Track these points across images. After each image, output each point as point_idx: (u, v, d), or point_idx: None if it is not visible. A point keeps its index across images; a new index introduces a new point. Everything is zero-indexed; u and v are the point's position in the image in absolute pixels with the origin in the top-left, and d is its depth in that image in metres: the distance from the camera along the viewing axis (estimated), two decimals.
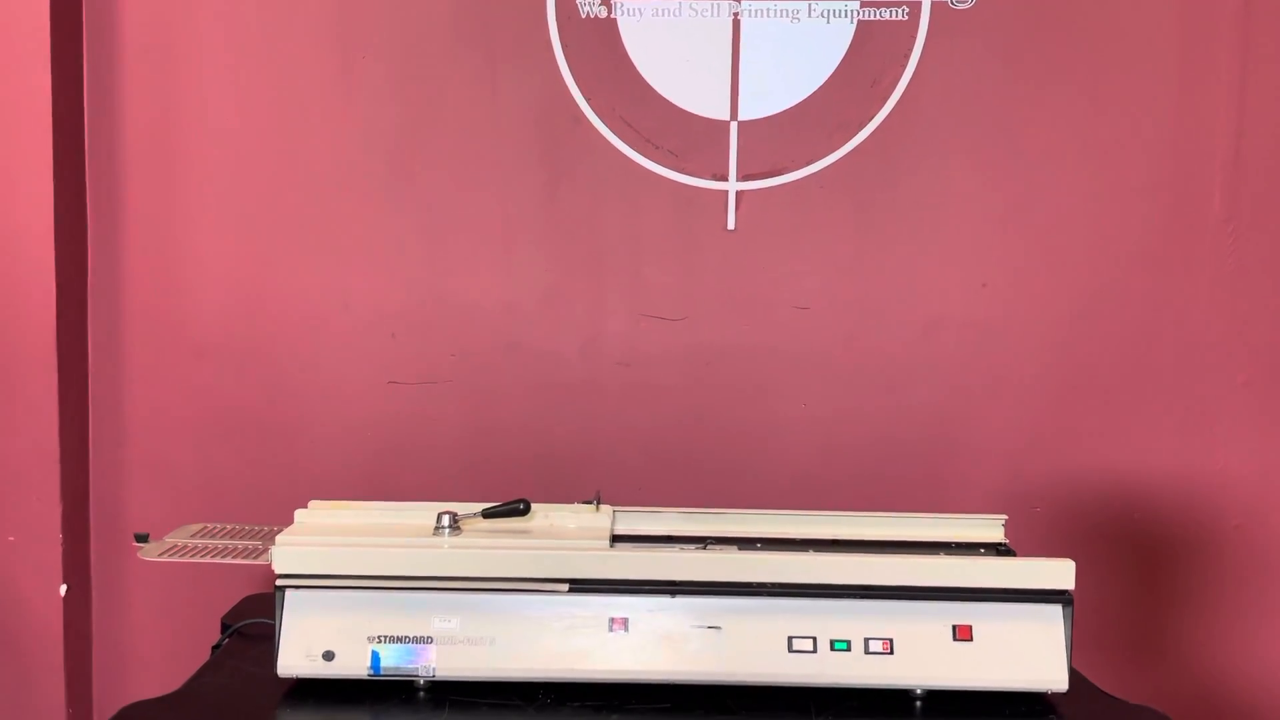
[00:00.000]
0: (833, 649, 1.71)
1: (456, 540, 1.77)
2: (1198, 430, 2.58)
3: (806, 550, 1.92)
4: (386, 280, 2.60)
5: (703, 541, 1.93)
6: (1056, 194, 2.57)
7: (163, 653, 2.61)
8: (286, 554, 1.72)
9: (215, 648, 1.96)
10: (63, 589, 2.53)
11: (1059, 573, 1.71)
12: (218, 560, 1.74)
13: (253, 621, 1.97)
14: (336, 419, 2.60)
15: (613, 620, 1.72)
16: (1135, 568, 2.60)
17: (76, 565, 2.61)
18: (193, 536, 1.87)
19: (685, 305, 2.59)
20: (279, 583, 1.72)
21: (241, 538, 1.88)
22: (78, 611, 2.61)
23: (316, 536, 1.76)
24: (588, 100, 2.56)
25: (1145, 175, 2.56)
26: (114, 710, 2.63)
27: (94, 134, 2.58)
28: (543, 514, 1.88)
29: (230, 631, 1.98)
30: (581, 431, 2.59)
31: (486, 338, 2.60)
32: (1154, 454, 2.59)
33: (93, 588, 2.66)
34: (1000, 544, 1.98)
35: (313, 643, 1.71)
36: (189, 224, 2.60)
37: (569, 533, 1.83)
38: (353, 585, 1.72)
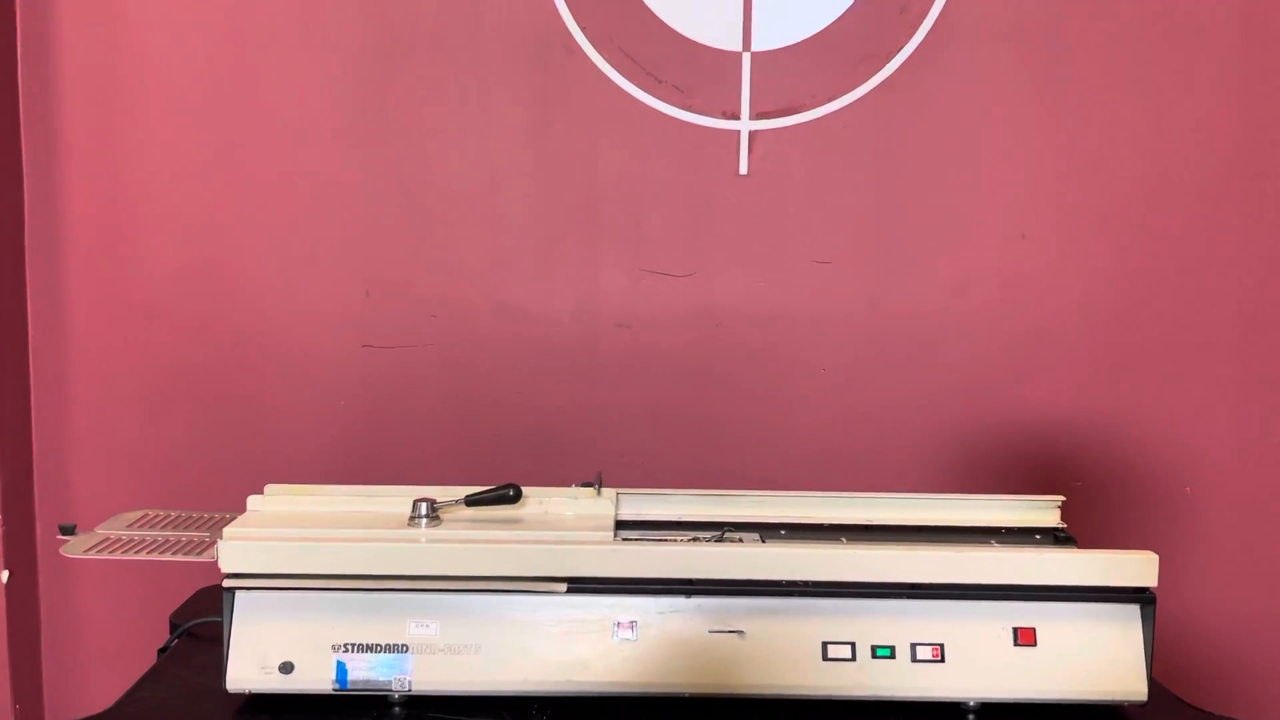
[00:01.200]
0: (874, 656, 1.48)
1: (435, 532, 1.52)
2: (1258, 397, 2.34)
3: (838, 538, 1.68)
4: (358, 232, 2.33)
5: (719, 528, 1.69)
6: (1105, 135, 2.31)
7: (120, 644, 2.36)
8: (235, 550, 1.46)
9: (162, 651, 1.71)
10: (4, 575, 2.28)
11: (1139, 567, 1.47)
12: (154, 557, 1.49)
13: (205, 621, 1.71)
14: (304, 388, 2.34)
15: (618, 624, 1.48)
16: (1187, 548, 2.37)
17: (20, 550, 2.35)
18: (130, 527, 1.62)
19: (692, 260, 2.33)
20: (227, 583, 1.47)
21: (187, 527, 1.63)
22: (22, 600, 2.36)
23: (271, 529, 1.51)
24: (582, 28, 2.28)
25: (1206, 111, 2.29)
26: (67, 706, 2.42)
27: (29, 77, 2.29)
28: (535, 500, 1.62)
29: (179, 633, 1.73)
30: (577, 402, 2.34)
31: (470, 297, 2.34)
32: (1211, 424, 2.34)
33: (39, 574, 2.41)
34: (1058, 529, 1.74)
35: (267, 652, 1.47)
36: (135, 174, 2.32)
37: (566, 522, 1.58)
38: (314, 586, 1.47)
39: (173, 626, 1.77)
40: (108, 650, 2.38)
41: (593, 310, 2.34)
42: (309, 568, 1.46)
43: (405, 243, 2.34)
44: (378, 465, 2.31)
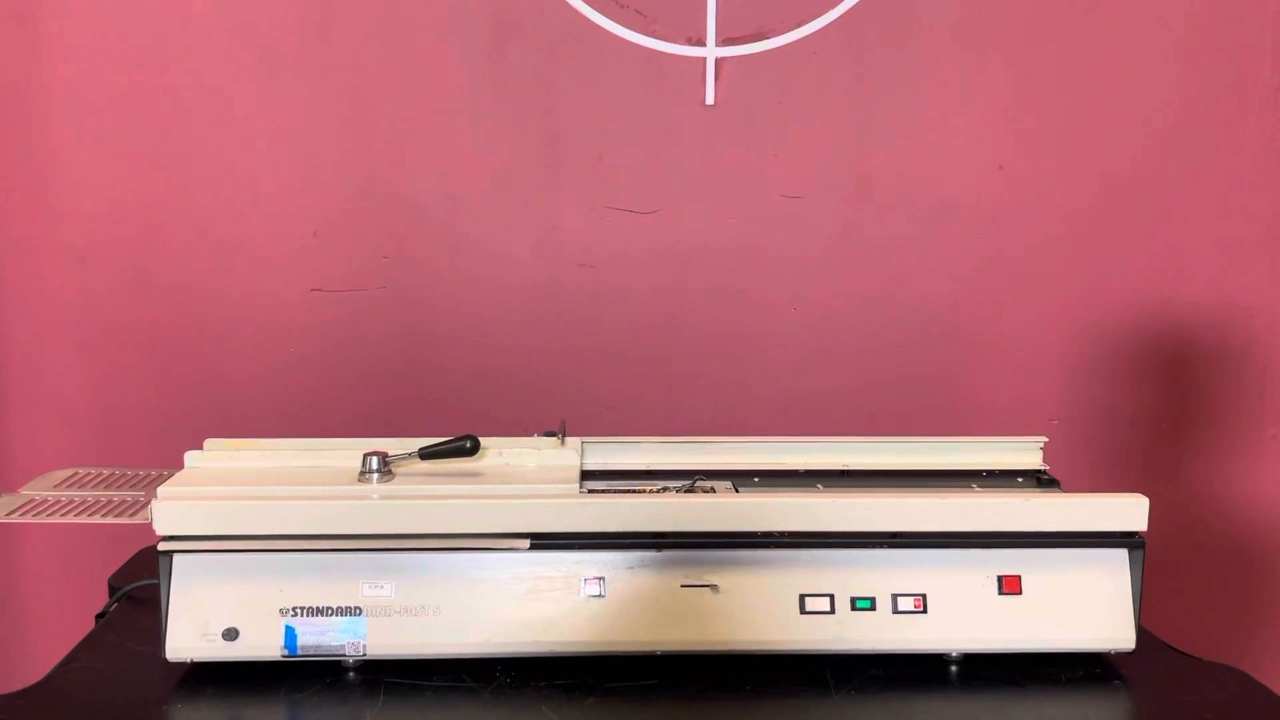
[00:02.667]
0: (854, 608, 1.41)
1: (388, 488, 1.42)
2: (1236, 329, 2.29)
3: (814, 485, 1.61)
4: (303, 168, 2.19)
5: (689, 477, 1.61)
6: (1084, 61, 2.21)
7: (59, 609, 2.26)
8: (170, 510, 1.36)
9: (100, 616, 1.61)
10: None
11: (1128, 511, 1.41)
12: (83, 520, 1.38)
13: (146, 584, 1.61)
14: (250, 335, 2.22)
15: (585, 580, 1.40)
16: (1170, 486, 2.33)
17: None
18: (58, 487, 1.50)
19: (657, 195, 2.22)
20: (162, 546, 1.37)
21: (120, 486, 1.52)
22: None
23: (210, 487, 1.40)
24: None
25: (1185, 37, 2.21)
26: (4, 676, 2.31)
27: None
28: (495, 451, 1.53)
29: (117, 597, 1.63)
30: (539, 346, 2.24)
31: (424, 236, 2.22)
32: (1192, 359, 2.29)
33: None
34: (1040, 471, 1.68)
35: (210, 618, 1.37)
36: (62, 107, 2.16)
37: (528, 474, 1.49)
38: (258, 548, 1.37)
39: (112, 590, 1.67)
40: (46, 616, 2.27)
41: (553, 250, 2.23)
42: (251, 528, 1.36)
43: (353, 180, 2.21)
44: (330, 416, 2.21)
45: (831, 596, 1.41)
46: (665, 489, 1.57)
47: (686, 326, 2.24)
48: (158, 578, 1.38)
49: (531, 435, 1.61)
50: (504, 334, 2.23)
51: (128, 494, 1.47)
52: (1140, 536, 1.41)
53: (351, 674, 1.40)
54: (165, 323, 2.22)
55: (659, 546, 1.40)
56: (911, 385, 2.26)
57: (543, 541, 1.39)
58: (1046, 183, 2.24)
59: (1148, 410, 2.31)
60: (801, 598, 1.41)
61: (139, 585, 1.61)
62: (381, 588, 1.39)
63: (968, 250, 2.25)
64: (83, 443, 2.21)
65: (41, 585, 2.27)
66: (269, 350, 2.21)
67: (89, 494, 1.47)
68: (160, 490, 1.38)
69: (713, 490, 1.56)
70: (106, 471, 1.56)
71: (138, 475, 1.55)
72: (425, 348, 2.22)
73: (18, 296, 2.20)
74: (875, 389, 2.25)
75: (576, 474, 1.49)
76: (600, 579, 1.40)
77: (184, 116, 2.17)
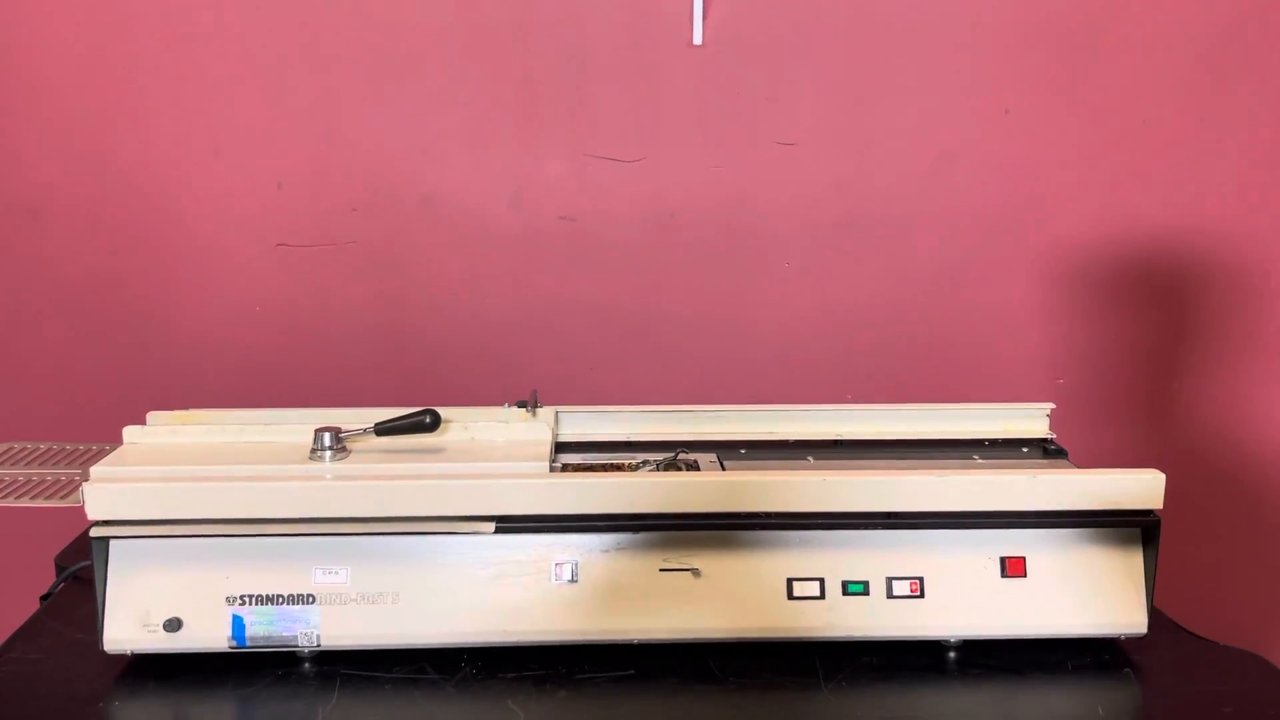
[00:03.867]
0: (845, 593, 1.31)
1: (341, 467, 1.32)
2: (1250, 285, 2.17)
3: (804, 456, 1.51)
4: (266, 115, 2.06)
5: (671, 449, 1.50)
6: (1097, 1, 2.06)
7: (7, 586, 2.16)
8: (104, 493, 1.25)
9: (44, 598, 1.52)
10: None
11: (1144, 488, 1.30)
12: (9, 503, 1.28)
13: (91, 564, 1.51)
14: (212, 294, 2.10)
15: (556, 565, 1.30)
16: (1175, 450, 2.22)
17: None
18: None
19: (642, 143, 2.09)
20: (96, 531, 1.26)
21: (56, 463, 1.41)
22: None
23: (147, 466, 1.30)
24: None
25: None
26: None
27: None
28: (460, 424, 1.42)
29: (63, 578, 1.53)
30: (516, 305, 2.12)
31: (394, 188, 2.09)
32: (1201, 315, 2.17)
33: None
34: (1047, 440, 1.57)
35: (151, 608, 1.27)
36: (11, 49, 2.02)
37: (495, 450, 1.38)
38: (201, 533, 1.27)
39: (58, 569, 1.57)
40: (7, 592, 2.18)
41: (532, 201, 2.10)
42: (192, 511, 1.26)
43: (319, 128, 2.07)
44: (296, 379, 2.10)
45: (821, 580, 1.31)
46: (645, 462, 1.46)
47: (673, 282, 2.12)
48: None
49: (502, 405, 1.50)
50: (480, 291, 2.11)
51: (63, 472, 1.37)
52: (1155, 514, 1.31)
53: (305, 665, 1.30)
54: (121, 280, 2.10)
55: (636, 528, 1.30)
56: (910, 345, 2.15)
57: (510, 525, 1.28)
58: (1056, 128, 2.10)
59: (1158, 361, 2.19)
60: (789, 582, 1.31)
61: (84, 565, 1.51)
62: (336, 574, 1.29)
63: (972, 200, 2.12)
64: (31, 409, 2.11)
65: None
66: (233, 309, 2.10)
67: (21, 472, 1.37)
68: (93, 471, 1.27)
69: (695, 463, 1.46)
70: (44, 446, 1.45)
71: (76, 451, 1.45)
72: (396, 306, 2.11)
73: None
74: (872, 349, 2.14)
75: (548, 449, 1.38)
76: (573, 563, 1.30)
77: (141, 61, 2.03)
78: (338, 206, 2.09)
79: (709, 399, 2.14)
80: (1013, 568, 1.32)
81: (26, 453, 1.43)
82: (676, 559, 1.31)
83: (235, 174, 2.08)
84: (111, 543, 1.26)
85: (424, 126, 2.07)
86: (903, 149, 2.10)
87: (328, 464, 1.31)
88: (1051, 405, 1.59)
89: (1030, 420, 1.59)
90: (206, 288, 2.10)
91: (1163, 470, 1.29)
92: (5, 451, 1.43)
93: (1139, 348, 2.18)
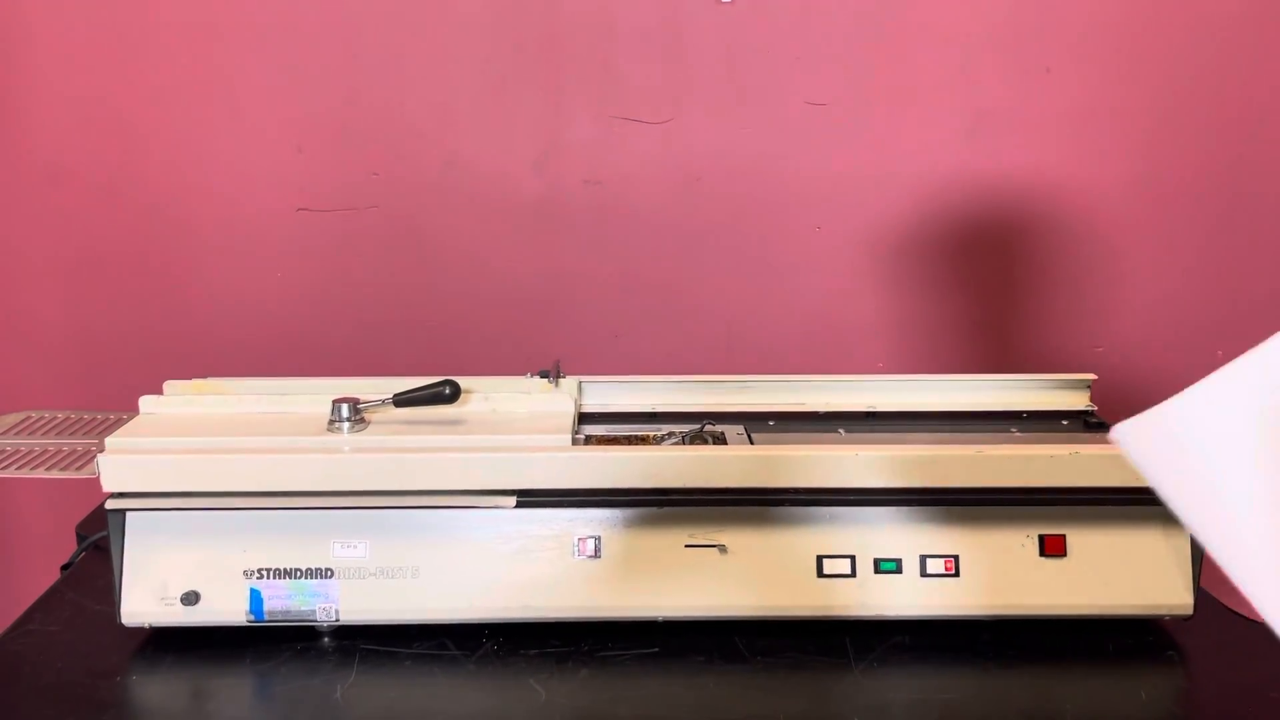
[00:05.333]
0: (877, 571, 1.27)
1: (360, 438, 1.28)
2: None
3: (835, 429, 1.46)
4: (285, 78, 2.01)
5: (698, 420, 1.46)
6: None
7: (33, 553, 2.17)
8: (120, 465, 1.23)
9: (65, 568, 1.50)
10: None
11: None
12: (25, 474, 1.26)
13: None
14: (231, 259, 2.07)
15: (579, 540, 1.27)
16: None
17: None
18: (5, 435, 1.38)
19: (668, 103, 2.03)
20: (111, 504, 1.24)
21: (74, 433, 1.39)
22: None
23: (163, 437, 1.27)
24: None
25: None
26: None
27: None
28: (481, 395, 1.38)
29: (84, 547, 1.52)
30: (540, 270, 2.07)
31: (416, 151, 2.04)
32: (1247, 278, 2.10)
33: None
34: (1088, 412, 1.52)
35: (168, 581, 1.25)
36: (24, 12, 1.98)
37: (516, 422, 1.34)
38: (218, 505, 1.24)
39: (79, 538, 1.56)
40: (19, 560, 2.18)
41: (556, 164, 2.05)
42: (208, 483, 1.23)
43: (340, 89, 2.03)
44: (316, 348, 2.07)
45: (853, 558, 1.27)
46: (670, 434, 1.42)
47: (699, 248, 2.07)
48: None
49: (524, 375, 1.47)
50: (503, 256, 2.06)
51: (80, 442, 1.35)
52: None
53: (324, 640, 1.28)
54: (139, 247, 2.07)
55: (661, 503, 1.26)
56: (943, 314, 2.08)
57: (531, 499, 1.25)
58: (1098, 87, 2.02)
59: (1200, 328, 2.12)
60: (819, 559, 1.27)
61: (104, 535, 1.49)
62: (354, 548, 1.26)
63: (1011, 163, 2.04)
64: (49, 376, 2.09)
65: (14, 529, 2.18)
66: (253, 275, 2.06)
67: (38, 442, 1.35)
68: (107, 442, 1.25)
69: (722, 436, 1.42)
70: (61, 416, 1.43)
71: (95, 420, 1.42)
72: (417, 271, 2.07)
73: None
74: (907, 317, 2.08)
75: (570, 421, 1.34)
76: (596, 538, 1.27)
77: (157, 23, 1.99)
78: (358, 171, 2.05)
79: (736, 368, 2.10)
80: (1052, 546, 1.27)
81: (44, 421, 1.41)
82: (703, 535, 1.27)
83: (254, 137, 2.04)
84: (128, 515, 1.24)
85: (445, 88, 2.02)
86: (938, 109, 2.02)
87: (345, 436, 1.28)
88: (1093, 376, 1.53)
89: (1070, 392, 1.54)
90: (226, 253, 2.07)
91: None
92: (23, 421, 1.41)
93: (1180, 315, 2.11)
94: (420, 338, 2.07)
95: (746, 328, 2.07)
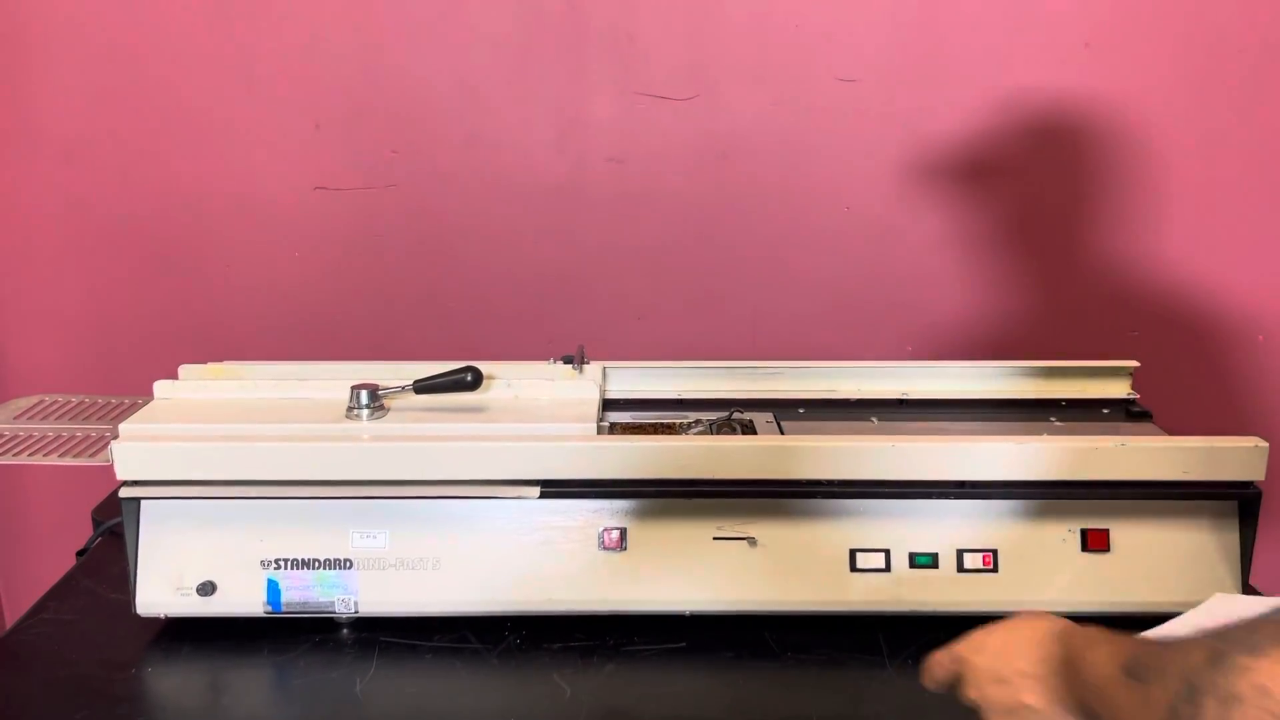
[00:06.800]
0: (913, 565, 1.23)
1: (380, 426, 1.25)
2: None
3: (867, 417, 1.42)
4: (302, 54, 1.97)
5: (725, 408, 1.42)
6: None
7: (47, 539, 2.15)
8: (134, 452, 1.20)
9: (80, 553, 1.48)
10: None
11: (1244, 458, 1.20)
12: (38, 460, 1.23)
13: None
14: (246, 238, 2.04)
15: (604, 532, 1.23)
16: (1259, 404, 2.10)
17: None
18: (19, 419, 1.35)
19: (694, 79, 1.97)
20: (125, 492, 1.21)
21: (88, 418, 1.36)
22: None
23: (179, 423, 1.24)
24: None
25: None
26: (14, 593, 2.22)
27: None
28: (504, 382, 1.34)
29: (100, 532, 1.49)
30: (562, 251, 2.03)
31: (435, 129, 2.00)
32: None
33: None
34: (1130, 400, 1.47)
35: (184, 571, 1.23)
36: None
37: (540, 409, 1.30)
38: (234, 494, 1.21)
39: (95, 524, 1.53)
40: (32, 546, 2.16)
41: (578, 142, 2.00)
42: (224, 472, 1.20)
43: (357, 66, 1.98)
44: (334, 329, 2.04)
45: (887, 552, 1.23)
46: (696, 422, 1.38)
47: (725, 227, 2.02)
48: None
49: (547, 360, 1.43)
50: (523, 236, 2.02)
51: (94, 428, 1.32)
52: (1255, 486, 1.21)
53: (343, 632, 1.25)
54: (154, 226, 2.04)
55: (688, 494, 1.22)
56: (976, 297, 2.03)
57: (555, 489, 1.21)
58: (1140, 63, 1.95)
59: (1241, 312, 2.06)
60: (852, 553, 1.23)
61: (120, 521, 1.47)
62: (374, 538, 1.23)
63: (1048, 141, 1.98)
64: (65, 358, 2.07)
65: (31, 512, 2.16)
66: (270, 255, 2.03)
67: (51, 427, 1.32)
68: (121, 428, 1.21)
69: (750, 424, 1.38)
70: (76, 400, 1.40)
71: (110, 404, 1.39)
72: (436, 252, 2.03)
73: (3, 197, 2.03)
74: (939, 301, 2.03)
75: (595, 409, 1.30)
76: (621, 530, 1.23)
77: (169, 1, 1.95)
78: (376, 148, 2.01)
79: (761, 351, 2.05)
80: (1095, 541, 1.23)
81: (58, 406, 1.38)
82: (731, 527, 1.23)
83: (271, 114, 2.00)
84: (143, 503, 1.21)
85: (465, 65, 1.97)
86: (971, 84, 1.96)
87: (365, 422, 1.25)
88: (1135, 363, 1.48)
89: (1111, 380, 1.49)
90: (241, 233, 2.03)
91: (1260, 436, 1.19)
92: (37, 405, 1.38)
93: (1219, 292, 2.05)
94: (438, 319, 2.03)
95: (772, 309, 2.03)
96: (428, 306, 2.05)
